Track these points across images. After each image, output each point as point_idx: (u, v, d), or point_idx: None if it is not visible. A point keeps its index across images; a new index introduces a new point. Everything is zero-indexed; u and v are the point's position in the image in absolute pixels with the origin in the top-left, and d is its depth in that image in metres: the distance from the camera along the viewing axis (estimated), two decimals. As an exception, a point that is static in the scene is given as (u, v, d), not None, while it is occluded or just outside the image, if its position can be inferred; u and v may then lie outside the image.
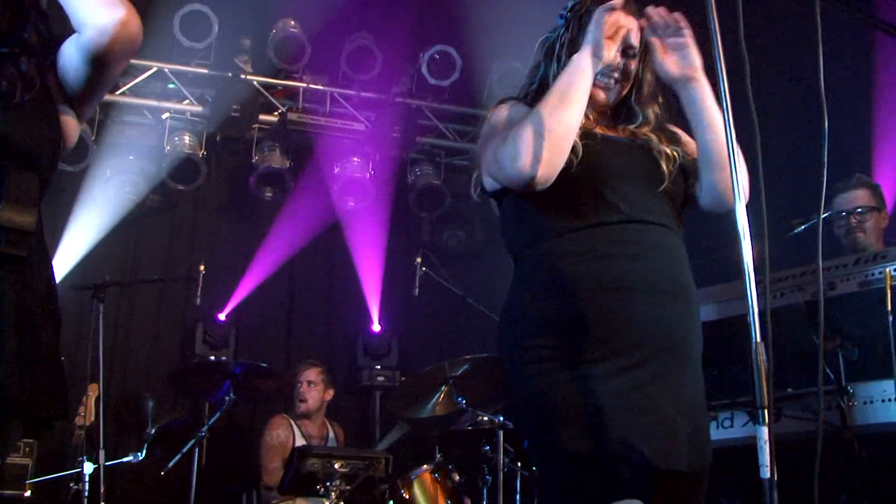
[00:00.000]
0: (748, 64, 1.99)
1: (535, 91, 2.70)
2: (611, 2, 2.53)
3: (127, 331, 7.56)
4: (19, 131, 2.20)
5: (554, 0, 2.87)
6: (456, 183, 8.60)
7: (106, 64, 2.27)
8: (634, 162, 2.57)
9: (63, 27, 2.28)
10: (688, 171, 2.64)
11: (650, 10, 2.54)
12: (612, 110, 2.74)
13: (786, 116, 5.86)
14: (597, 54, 2.48)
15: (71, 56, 2.29)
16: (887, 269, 3.51)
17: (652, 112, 2.68)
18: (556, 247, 2.50)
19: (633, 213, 2.48)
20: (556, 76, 2.57)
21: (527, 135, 2.40)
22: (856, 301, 3.64)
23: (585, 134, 2.52)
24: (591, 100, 2.57)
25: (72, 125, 2.37)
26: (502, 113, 2.65)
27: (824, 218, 4.71)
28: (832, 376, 3.65)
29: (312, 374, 6.57)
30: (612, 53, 2.55)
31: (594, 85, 2.55)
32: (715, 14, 2.03)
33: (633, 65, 2.66)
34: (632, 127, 2.69)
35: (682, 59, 2.53)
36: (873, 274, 3.59)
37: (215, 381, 5.88)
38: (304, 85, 8.11)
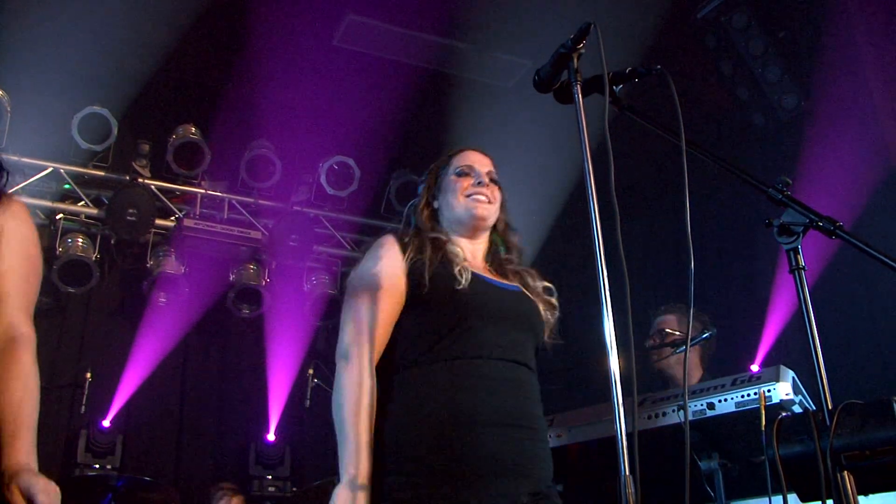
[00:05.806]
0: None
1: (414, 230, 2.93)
2: None
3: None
4: None
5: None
6: (352, 292, 8.60)
7: None
8: (514, 307, 2.78)
9: None
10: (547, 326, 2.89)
11: None
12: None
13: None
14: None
15: None
16: (762, 390, 3.63)
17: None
18: (418, 375, 2.63)
19: (504, 352, 2.66)
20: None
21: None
22: (734, 420, 3.74)
23: (474, 278, 2.71)
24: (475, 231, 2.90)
25: None
26: (373, 256, 2.77)
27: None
28: (712, 494, 3.74)
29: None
30: None
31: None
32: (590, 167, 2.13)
33: (497, 192, 2.95)
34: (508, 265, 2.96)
35: None
36: (749, 394, 3.71)
37: (96, 495, 5.70)
38: (203, 191, 8.14)
